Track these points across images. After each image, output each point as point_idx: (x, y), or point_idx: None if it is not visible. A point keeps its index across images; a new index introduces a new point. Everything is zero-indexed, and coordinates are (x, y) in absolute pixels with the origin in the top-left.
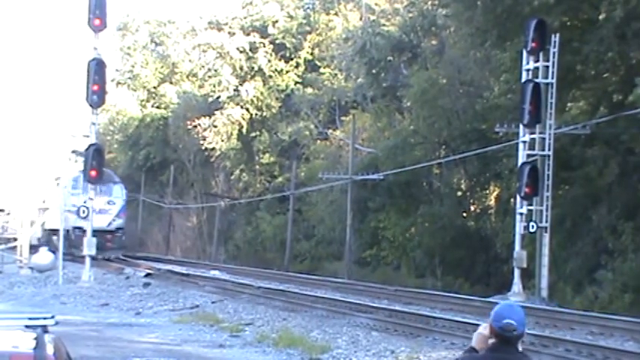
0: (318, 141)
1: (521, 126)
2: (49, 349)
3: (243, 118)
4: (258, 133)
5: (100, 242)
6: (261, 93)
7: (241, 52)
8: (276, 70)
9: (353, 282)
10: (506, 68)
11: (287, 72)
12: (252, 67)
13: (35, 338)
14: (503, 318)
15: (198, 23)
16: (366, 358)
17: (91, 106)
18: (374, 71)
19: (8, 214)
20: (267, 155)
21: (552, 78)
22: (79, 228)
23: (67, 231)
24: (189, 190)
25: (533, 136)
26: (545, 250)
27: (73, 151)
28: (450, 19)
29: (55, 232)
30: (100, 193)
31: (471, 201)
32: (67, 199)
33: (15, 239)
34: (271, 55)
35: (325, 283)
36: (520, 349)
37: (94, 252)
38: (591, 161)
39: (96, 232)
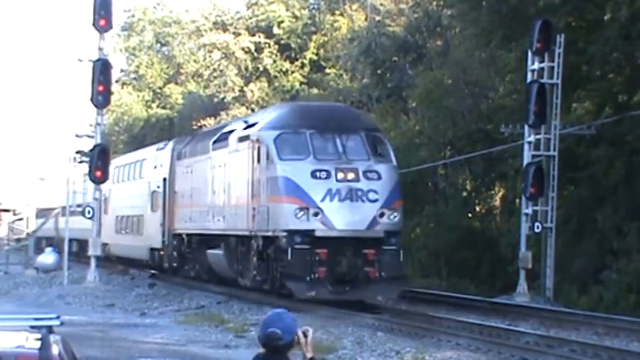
0: None
1: (526, 126)
2: (55, 350)
3: None
4: None
5: (350, 264)
6: (267, 94)
7: (246, 52)
8: (281, 70)
9: None
10: (511, 69)
11: (292, 72)
12: (258, 68)
13: (40, 339)
14: (268, 327)
15: (203, 23)
16: (371, 359)
17: (96, 106)
18: (379, 72)
19: (17, 213)
20: None
21: (557, 78)
22: (305, 233)
23: (267, 239)
24: None
25: (538, 136)
26: (550, 251)
27: (78, 152)
28: (455, 19)
29: (208, 240)
30: (341, 157)
31: (477, 201)
32: (260, 172)
33: (23, 239)
34: (276, 55)
35: None
36: (309, 355)
37: (99, 252)
38: (596, 162)
39: (335, 242)
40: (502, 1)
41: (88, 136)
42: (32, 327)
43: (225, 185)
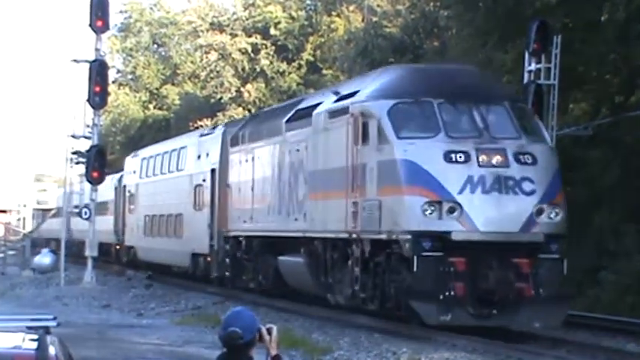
0: None
1: None
2: (51, 350)
3: None
4: None
5: (497, 278)
6: (263, 94)
7: (243, 53)
8: (278, 71)
9: None
10: (508, 70)
11: (289, 73)
12: (254, 69)
13: (37, 339)
14: (228, 326)
15: (200, 24)
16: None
17: (92, 107)
18: None
19: (18, 213)
20: None
21: (554, 79)
22: (437, 235)
23: (377, 244)
24: None
25: None
26: None
27: (75, 152)
28: (452, 20)
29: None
30: (482, 134)
31: None
32: (368, 155)
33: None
34: (273, 56)
35: None
36: (274, 352)
37: (95, 253)
38: (593, 162)
39: (477, 249)
40: (498, 2)
41: (85, 137)
42: (29, 328)
43: (307, 174)
